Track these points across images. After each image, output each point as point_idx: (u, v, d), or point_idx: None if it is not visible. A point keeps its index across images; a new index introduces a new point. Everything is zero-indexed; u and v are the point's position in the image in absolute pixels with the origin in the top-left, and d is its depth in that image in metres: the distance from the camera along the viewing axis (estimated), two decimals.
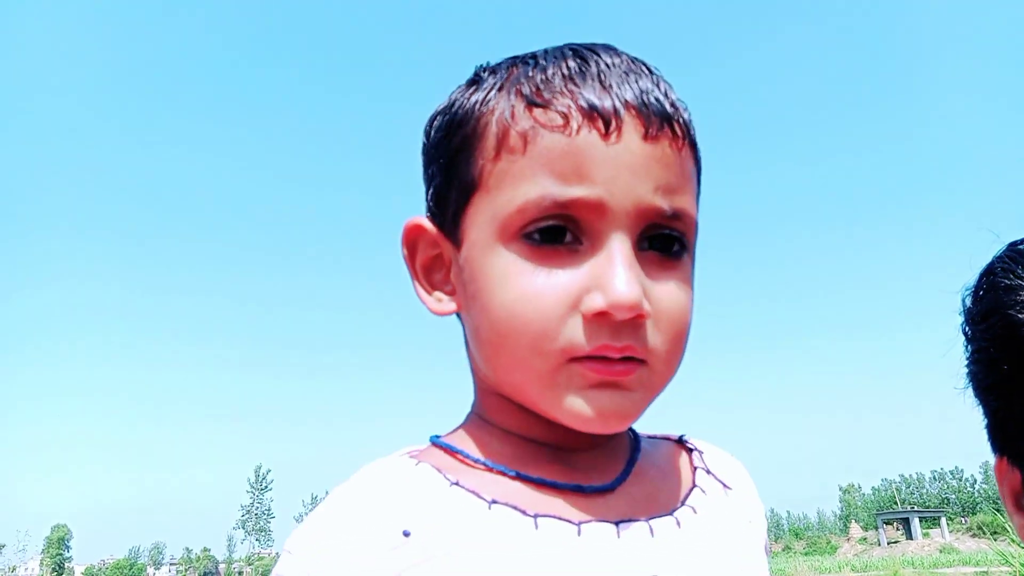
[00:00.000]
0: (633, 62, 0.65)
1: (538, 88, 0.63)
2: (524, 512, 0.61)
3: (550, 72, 0.63)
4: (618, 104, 0.61)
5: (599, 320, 0.60)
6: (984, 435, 0.84)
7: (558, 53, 0.66)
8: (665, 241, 0.64)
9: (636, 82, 0.63)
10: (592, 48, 0.66)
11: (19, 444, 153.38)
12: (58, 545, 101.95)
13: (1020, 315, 0.73)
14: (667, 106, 0.63)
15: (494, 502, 0.61)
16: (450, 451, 0.68)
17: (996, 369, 0.77)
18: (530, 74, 0.64)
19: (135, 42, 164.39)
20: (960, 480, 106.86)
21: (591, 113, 0.61)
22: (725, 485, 0.73)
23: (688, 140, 0.65)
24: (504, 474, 0.65)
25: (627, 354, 0.61)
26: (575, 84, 0.62)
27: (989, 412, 0.82)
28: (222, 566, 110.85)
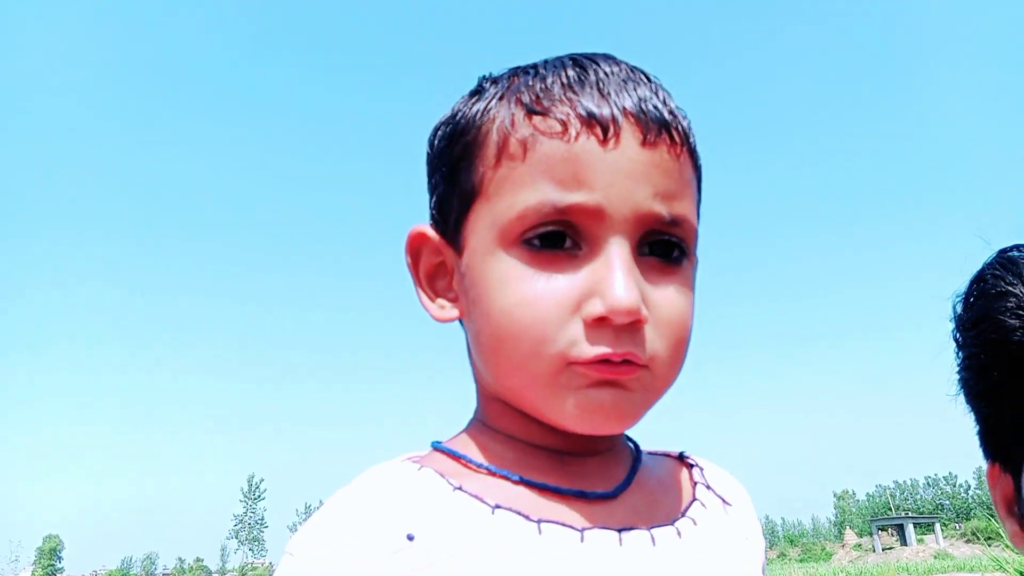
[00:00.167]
0: (632, 71, 0.66)
1: (538, 96, 0.64)
2: (527, 517, 0.61)
3: (549, 81, 0.65)
4: (616, 111, 0.62)
5: (599, 325, 0.60)
6: (976, 441, 0.85)
7: (558, 63, 0.67)
8: (665, 247, 0.65)
9: (634, 90, 0.64)
10: (591, 57, 0.67)
11: (10, 453, 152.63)
12: (50, 556, 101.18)
13: (1010, 321, 0.73)
14: (665, 113, 0.64)
15: (497, 507, 0.61)
16: (453, 456, 0.68)
17: (987, 375, 0.77)
18: (530, 83, 0.65)
19: (135, 42, 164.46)
20: (954, 486, 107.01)
21: (589, 120, 0.62)
22: (725, 501, 0.73)
23: (687, 147, 0.66)
24: (507, 479, 0.65)
25: (627, 359, 0.61)
26: (574, 92, 0.63)
27: (980, 418, 0.83)
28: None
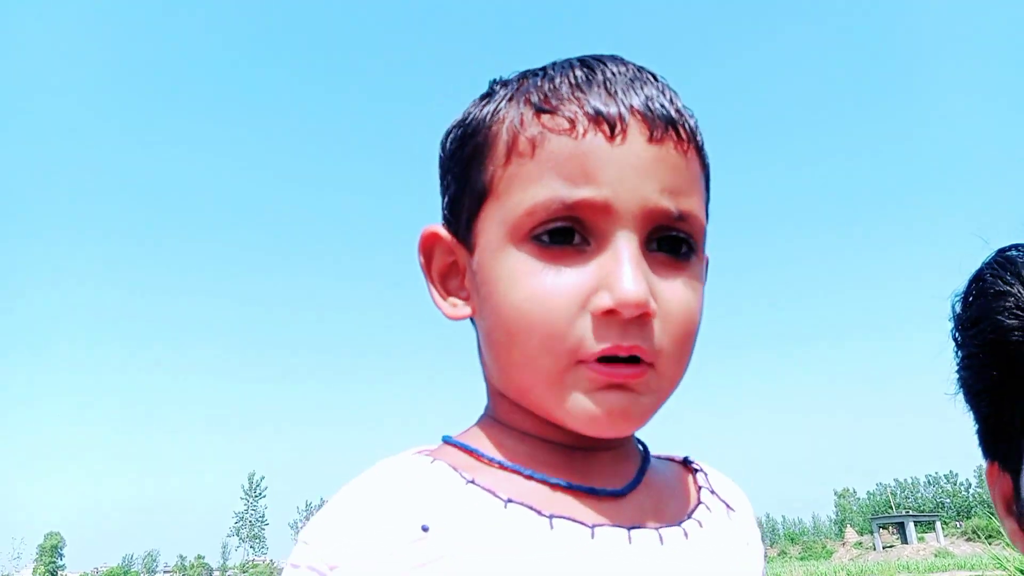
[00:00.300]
0: (639, 71, 0.67)
1: (546, 96, 0.65)
2: (539, 512, 0.61)
3: (558, 81, 0.66)
4: (623, 109, 0.63)
5: (607, 319, 0.61)
6: (976, 440, 0.85)
7: (566, 64, 0.68)
8: (673, 243, 0.65)
9: (641, 89, 0.65)
10: (599, 58, 0.68)
11: (12, 451, 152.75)
12: (51, 553, 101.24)
13: (1009, 321, 0.73)
14: (672, 111, 0.65)
15: (510, 501, 0.62)
16: (465, 450, 0.69)
17: (986, 375, 0.77)
18: (539, 84, 0.67)
19: (135, 42, 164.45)
20: (955, 484, 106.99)
21: (597, 117, 0.63)
22: (729, 506, 0.74)
23: (694, 145, 0.67)
24: (519, 473, 0.66)
25: (634, 354, 0.62)
26: (582, 91, 0.64)
27: (980, 417, 0.83)
28: (216, 573, 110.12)
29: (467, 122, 0.71)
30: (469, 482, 0.63)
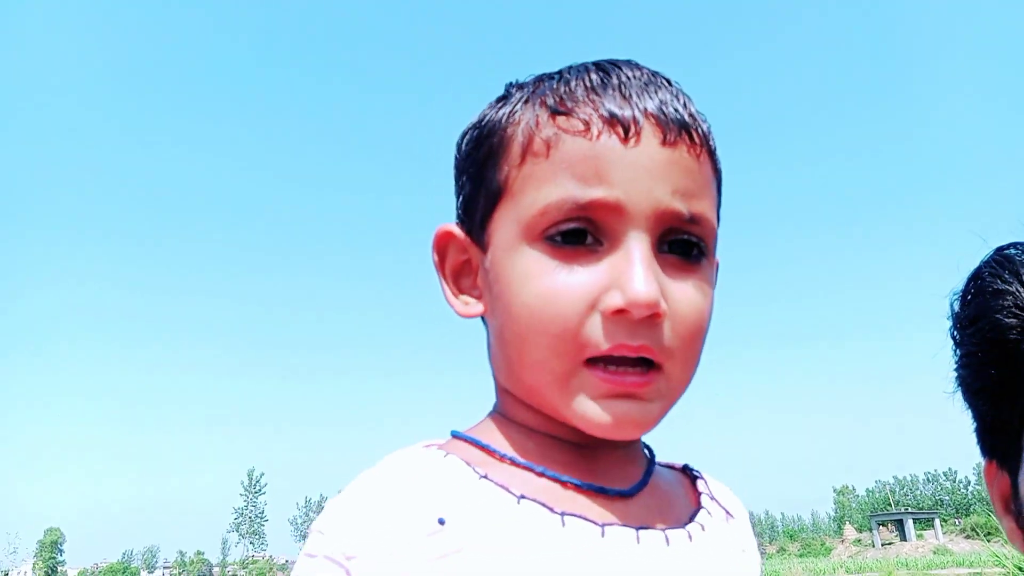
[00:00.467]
0: (653, 75, 0.68)
1: (562, 98, 0.66)
2: (551, 509, 0.62)
3: (573, 84, 0.67)
4: (637, 113, 0.64)
5: (617, 318, 0.62)
6: (974, 438, 0.85)
7: (581, 68, 0.69)
8: (684, 246, 0.66)
9: (655, 93, 0.66)
10: (614, 63, 0.69)
11: (12, 447, 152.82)
12: (51, 548, 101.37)
13: (1007, 320, 0.74)
14: (685, 115, 0.66)
15: (522, 497, 0.62)
16: (477, 445, 0.69)
17: (984, 373, 0.77)
18: (554, 87, 0.68)
19: (135, 42, 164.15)
20: (954, 481, 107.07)
21: (611, 120, 0.64)
22: (728, 513, 0.75)
23: (707, 149, 0.68)
24: (530, 470, 0.66)
25: (642, 354, 0.62)
26: (597, 94, 0.65)
27: (978, 416, 0.83)
28: (216, 569, 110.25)
29: (483, 124, 0.72)
30: (482, 477, 0.64)
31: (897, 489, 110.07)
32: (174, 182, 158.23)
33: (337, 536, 0.61)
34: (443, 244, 0.75)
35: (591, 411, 0.63)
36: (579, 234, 0.63)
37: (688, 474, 0.79)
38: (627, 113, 0.64)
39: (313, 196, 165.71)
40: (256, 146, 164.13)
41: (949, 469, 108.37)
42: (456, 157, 0.76)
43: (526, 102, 0.69)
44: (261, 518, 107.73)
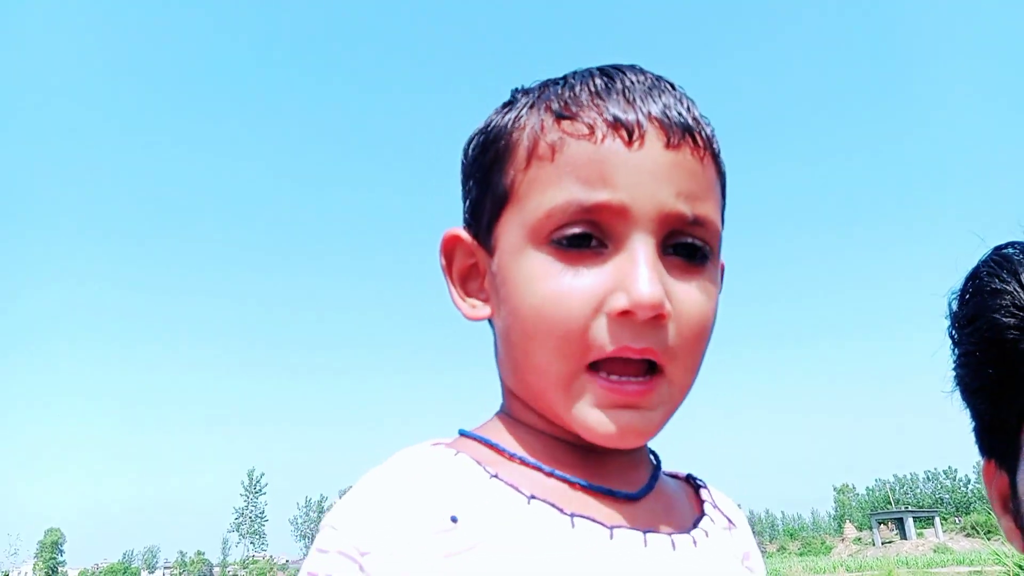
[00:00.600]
0: (657, 80, 0.69)
1: (566, 103, 0.67)
2: (561, 510, 0.63)
3: (578, 89, 0.68)
4: (641, 116, 0.65)
5: (622, 320, 0.62)
6: (972, 437, 0.86)
7: (586, 73, 0.70)
8: (689, 248, 0.66)
9: (659, 97, 0.67)
10: (618, 67, 0.70)
11: (12, 447, 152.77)
12: (51, 549, 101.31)
13: (1005, 319, 0.74)
14: (689, 119, 0.67)
15: (532, 497, 0.63)
16: (486, 444, 0.70)
17: (982, 373, 0.77)
18: (559, 92, 0.69)
19: (135, 42, 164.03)
20: (954, 480, 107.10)
21: (615, 124, 0.64)
22: (730, 521, 0.76)
23: (711, 152, 0.69)
24: (539, 470, 0.67)
25: (646, 356, 0.63)
26: (601, 99, 0.66)
27: (976, 415, 0.83)
28: (216, 569, 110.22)
29: (489, 129, 0.73)
30: (493, 476, 0.64)
31: (897, 487, 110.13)
32: (174, 182, 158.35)
33: (351, 532, 0.61)
34: (450, 248, 0.75)
35: (592, 419, 0.64)
36: (584, 237, 0.64)
37: (691, 483, 0.80)
38: (631, 117, 0.64)
39: (313, 195, 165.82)
40: (256, 146, 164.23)
41: (949, 467, 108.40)
42: (463, 162, 0.77)
43: (531, 107, 0.70)
44: (261, 518, 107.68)
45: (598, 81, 0.68)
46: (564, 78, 0.71)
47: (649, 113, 0.65)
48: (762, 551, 0.80)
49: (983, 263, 0.79)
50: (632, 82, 0.67)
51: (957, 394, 0.84)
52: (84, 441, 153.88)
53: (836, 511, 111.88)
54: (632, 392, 0.63)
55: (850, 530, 71.77)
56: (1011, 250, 0.78)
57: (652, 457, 0.76)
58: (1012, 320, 0.73)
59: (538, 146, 0.67)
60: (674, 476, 0.80)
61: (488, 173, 0.71)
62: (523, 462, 0.67)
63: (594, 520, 0.63)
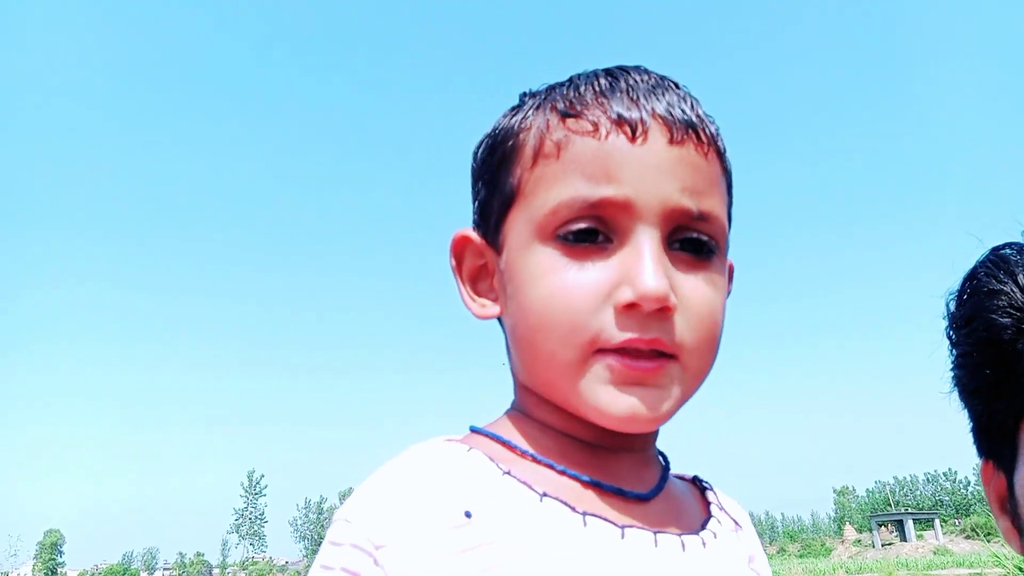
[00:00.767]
0: (661, 79, 0.70)
1: (571, 102, 0.68)
2: (573, 508, 0.63)
3: (583, 89, 0.69)
4: (645, 114, 0.66)
5: (628, 312, 0.63)
6: (971, 438, 0.86)
7: (591, 74, 0.71)
8: (695, 244, 0.67)
9: (663, 95, 0.68)
10: (623, 68, 0.71)
11: (12, 447, 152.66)
12: (51, 550, 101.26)
13: (1002, 319, 0.74)
14: (692, 116, 0.68)
15: (545, 495, 0.63)
16: (498, 440, 0.70)
17: (980, 373, 0.77)
18: (565, 92, 0.70)
19: (135, 42, 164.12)
20: (954, 482, 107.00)
21: (619, 121, 0.66)
22: (737, 523, 0.77)
23: (715, 148, 0.69)
24: (551, 468, 0.67)
25: (655, 347, 0.63)
26: (605, 97, 0.67)
27: (974, 416, 0.83)
28: (216, 570, 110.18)
29: (496, 131, 0.75)
30: (505, 473, 0.64)
31: (897, 489, 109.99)
32: (174, 182, 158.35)
33: (365, 525, 0.61)
34: (460, 248, 0.76)
35: (603, 399, 0.63)
36: (590, 233, 0.65)
37: (697, 485, 0.80)
38: (635, 114, 0.66)
39: (312, 195, 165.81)
40: (256, 145, 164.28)
41: (949, 469, 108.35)
42: (472, 165, 0.78)
43: (537, 108, 0.71)
44: (261, 519, 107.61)
45: (603, 81, 0.69)
46: (570, 79, 0.72)
47: (653, 110, 0.66)
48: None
49: (980, 264, 0.79)
50: (636, 81, 0.68)
51: (955, 395, 0.84)
52: (84, 442, 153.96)
53: (836, 513, 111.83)
54: (644, 368, 0.63)
55: (850, 532, 71.69)
56: (1008, 251, 0.78)
57: (661, 458, 0.77)
58: (1009, 320, 0.73)
59: (544, 144, 0.68)
60: (681, 478, 0.80)
61: (496, 173, 0.73)
62: (535, 459, 0.68)
63: (606, 519, 0.63)
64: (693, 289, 0.66)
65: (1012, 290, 0.74)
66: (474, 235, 0.76)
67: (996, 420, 0.78)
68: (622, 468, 0.69)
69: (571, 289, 0.64)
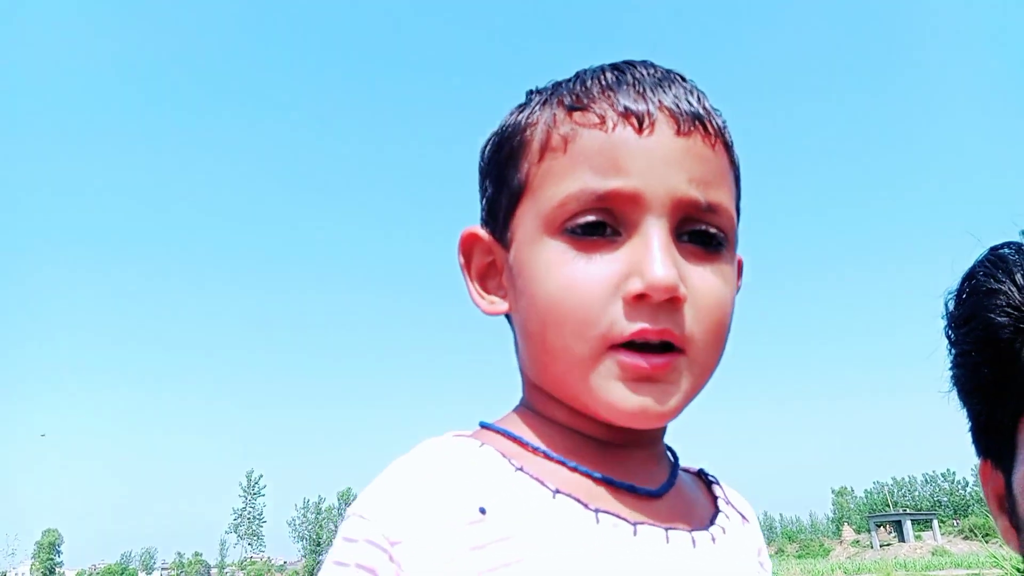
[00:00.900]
0: (668, 72, 0.70)
1: (578, 96, 0.69)
2: (586, 505, 0.63)
3: (589, 83, 0.69)
4: (651, 106, 0.66)
5: (638, 303, 0.62)
6: (969, 438, 0.86)
7: (597, 69, 0.71)
8: (703, 236, 0.67)
9: (669, 88, 0.68)
10: (629, 62, 0.71)
11: (10, 448, 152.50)
12: (49, 550, 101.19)
13: (1000, 318, 0.74)
14: (699, 108, 0.68)
15: (558, 492, 0.63)
16: (510, 437, 0.70)
17: (978, 373, 0.77)
18: (571, 87, 0.70)
19: (135, 42, 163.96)
20: (952, 482, 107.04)
21: (626, 113, 0.66)
22: (744, 517, 0.77)
23: (722, 140, 0.69)
24: (563, 465, 0.67)
25: (665, 338, 0.63)
26: (612, 91, 0.67)
27: (972, 415, 0.83)
28: (214, 571, 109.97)
29: (504, 128, 0.75)
30: (518, 469, 0.64)
31: (895, 490, 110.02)
32: (173, 182, 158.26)
33: (380, 520, 0.61)
34: (469, 246, 0.76)
35: (614, 395, 0.63)
36: (598, 226, 0.65)
37: (703, 478, 0.80)
38: (641, 106, 0.66)
39: (312, 195, 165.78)
40: (256, 145, 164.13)
41: (947, 470, 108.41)
42: (480, 163, 0.78)
43: (544, 104, 0.71)
44: (259, 520, 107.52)
45: (609, 75, 0.69)
46: (576, 75, 0.72)
47: (659, 102, 0.66)
48: None
49: (979, 263, 0.80)
50: (643, 75, 0.68)
51: (954, 395, 0.84)
52: (82, 443, 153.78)
53: (834, 513, 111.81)
54: (654, 364, 0.63)
55: (848, 533, 71.80)
56: (1007, 250, 0.78)
57: (670, 453, 0.77)
58: (1007, 319, 0.73)
59: (551, 138, 0.68)
60: (686, 471, 0.80)
61: (503, 169, 0.73)
62: (547, 456, 0.67)
63: (618, 516, 0.63)
64: (702, 281, 0.65)
65: (1010, 289, 0.74)
66: (482, 232, 0.76)
67: (994, 419, 0.78)
68: (633, 465, 0.69)
69: (580, 282, 0.63)
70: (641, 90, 0.67)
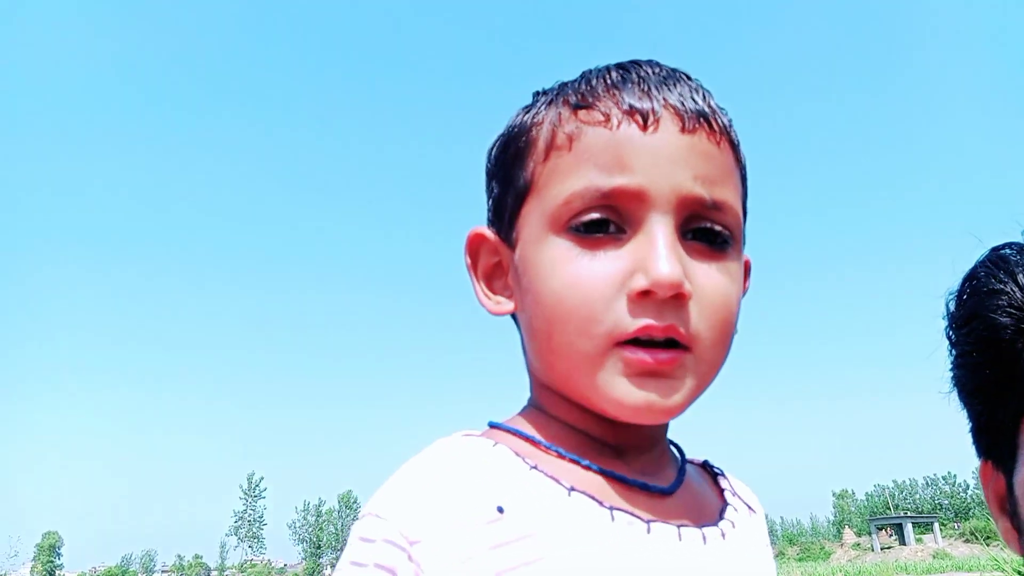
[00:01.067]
0: (673, 71, 0.71)
1: (583, 95, 0.69)
2: (601, 503, 0.63)
3: (594, 82, 0.70)
4: (656, 104, 0.66)
5: (642, 300, 0.62)
6: (970, 439, 0.86)
7: (603, 68, 0.72)
8: (709, 234, 0.67)
9: (674, 86, 0.68)
10: (634, 61, 0.71)
11: (11, 450, 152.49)
12: (49, 552, 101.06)
13: (1002, 319, 0.74)
14: (704, 106, 0.68)
15: (572, 489, 0.63)
16: (522, 436, 0.70)
17: (979, 373, 0.77)
18: (576, 86, 0.71)
19: (135, 42, 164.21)
20: (953, 485, 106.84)
21: (631, 111, 0.66)
22: (751, 508, 0.77)
23: (727, 138, 0.69)
24: (576, 463, 0.67)
25: (670, 335, 0.63)
26: (617, 89, 0.68)
27: (973, 416, 0.83)
28: (214, 573, 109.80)
29: (510, 129, 0.75)
30: (532, 468, 0.64)
31: (896, 493, 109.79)
32: (173, 182, 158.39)
33: (398, 520, 0.60)
34: (475, 246, 0.77)
35: (619, 390, 0.63)
36: (602, 223, 0.65)
37: (709, 470, 0.80)
38: (646, 104, 0.66)
39: (312, 195, 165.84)
40: (256, 145, 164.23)
41: (948, 473, 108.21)
42: (486, 165, 0.78)
43: (549, 104, 0.72)
44: (260, 522, 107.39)
45: (614, 74, 0.69)
46: (581, 74, 0.73)
47: (664, 100, 0.66)
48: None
49: (980, 264, 0.79)
50: (647, 73, 0.69)
51: (955, 395, 0.84)
52: (83, 444, 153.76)
53: (835, 516, 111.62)
54: (659, 360, 0.63)
55: (849, 536, 71.68)
56: (1008, 251, 0.78)
57: (675, 449, 0.77)
58: (1008, 320, 0.73)
59: (556, 137, 0.68)
60: (691, 462, 0.80)
61: (509, 169, 0.73)
62: (560, 455, 0.67)
63: (632, 514, 0.63)
64: (707, 278, 0.65)
65: (1012, 290, 0.74)
66: (488, 233, 0.76)
67: (995, 420, 0.78)
68: (643, 463, 0.70)
69: (585, 279, 0.64)
70: (646, 88, 0.67)
